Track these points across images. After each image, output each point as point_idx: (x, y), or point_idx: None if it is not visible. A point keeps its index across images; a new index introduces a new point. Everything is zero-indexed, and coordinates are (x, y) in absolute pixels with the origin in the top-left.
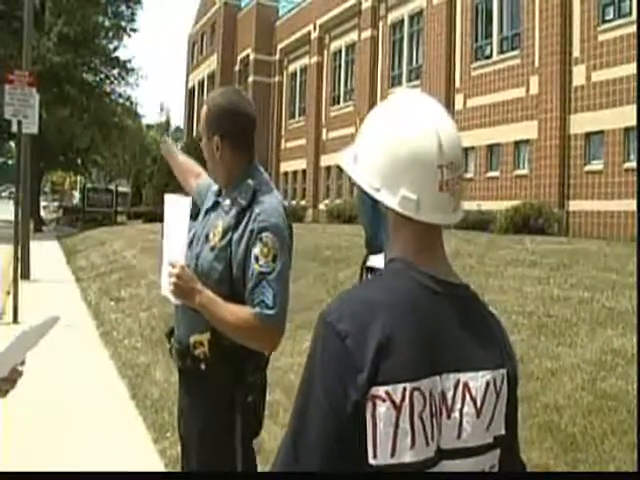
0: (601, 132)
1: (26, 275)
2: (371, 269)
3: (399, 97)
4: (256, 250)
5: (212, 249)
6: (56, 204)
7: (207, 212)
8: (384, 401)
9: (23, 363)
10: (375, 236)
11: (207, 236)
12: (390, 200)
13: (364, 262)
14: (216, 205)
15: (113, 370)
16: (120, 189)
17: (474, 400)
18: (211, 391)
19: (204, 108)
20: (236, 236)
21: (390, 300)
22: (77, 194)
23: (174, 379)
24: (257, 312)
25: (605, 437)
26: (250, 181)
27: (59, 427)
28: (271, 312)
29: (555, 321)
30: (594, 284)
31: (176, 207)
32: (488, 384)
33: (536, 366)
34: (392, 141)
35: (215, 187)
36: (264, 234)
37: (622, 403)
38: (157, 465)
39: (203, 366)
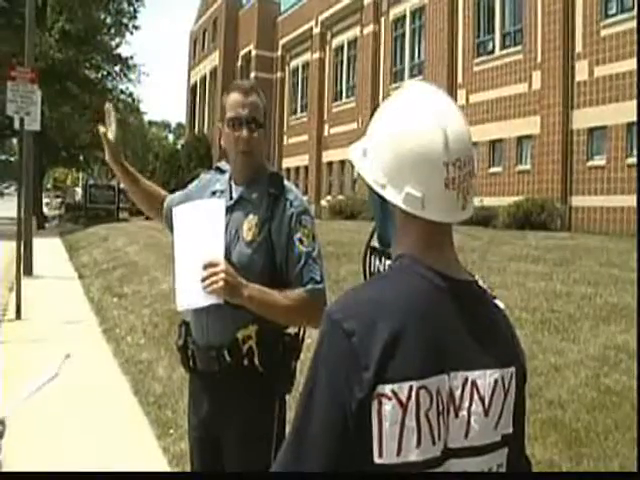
0: (604, 127)
1: (29, 272)
2: (375, 248)
3: (409, 89)
4: (299, 234)
5: (249, 243)
6: (58, 201)
7: (226, 211)
8: (390, 399)
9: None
10: (385, 231)
11: (236, 232)
12: (395, 197)
13: (369, 241)
14: (239, 201)
15: (116, 366)
16: (122, 186)
17: (482, 399)
18: (256, 385)
19: (255, 98)
20: (275, 225)
21: (397, 298)
22: (79, 191)
23: (176, 376)
24: (309, 289)
25: (609, 432)
26: (275, 170)
27: (62, 423)
28: (321, 286)
29: (558, 317)
30: (597, 279)
31: (204, 211)
32: (496, 382)
33: (540, 362)
34: (398, 137)
35: (216, 187)
36: (303, 217)
37: (626, 398)
38: (160, 461)
39: (256, 360)
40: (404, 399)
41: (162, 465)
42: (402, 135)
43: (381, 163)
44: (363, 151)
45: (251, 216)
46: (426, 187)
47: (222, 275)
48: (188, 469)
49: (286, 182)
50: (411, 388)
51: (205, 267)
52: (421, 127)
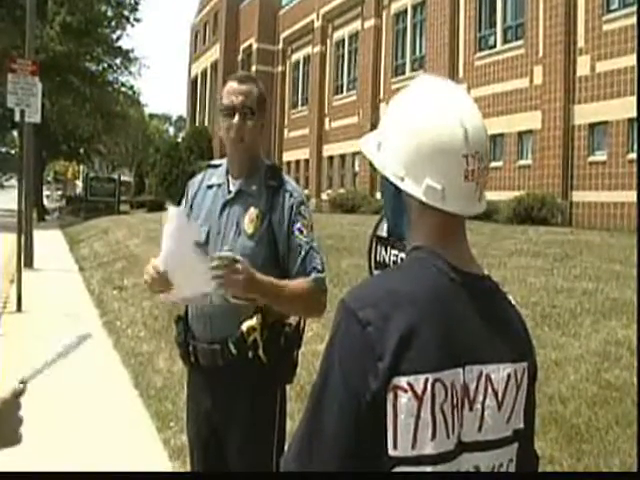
0: (605, 123)
1: (29, 264)
2: (381, 238)
3: (424, 83)
4: (299, 224)
5: (251, 236)
6: (59, 193)
7: (225, 205)
8: (406, 392)
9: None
10: (399, 223)
11: (237, 225)
12: (415, 189)
13: (375, 230)
14: (238, 194)
15: (116, 359)
16: (123, 178)
17: (496, 393)
18: (259, 377)
19: (254, 89)
20: (276, 216)
21: (414, 290)
22: (80, 183)
23: (177, 368)
24: (314, 278)
25: (610, 428)
26: (271, 163)
27: (62, 417)
28: (323, 275)
29: (559, 312)
30: (598, 275)
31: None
32: (509, 377)
33: (540, 357)
34: (417, 129)
35: (212, 181)
36: (302, 208)
37: (626, 394)
38: (161, 454)
39: (261, 352)
40: (420, 392)
41: (162, 458)
42: (422, 127)
43: (399, 155)
44: (378, 144)
45: (252, 209)
46: (446, 179)
47: (244, 275)
48: (188, 462)
49: (285, 175)
50: (427, 381)
51: (217, 259)
52: (441, 119)
